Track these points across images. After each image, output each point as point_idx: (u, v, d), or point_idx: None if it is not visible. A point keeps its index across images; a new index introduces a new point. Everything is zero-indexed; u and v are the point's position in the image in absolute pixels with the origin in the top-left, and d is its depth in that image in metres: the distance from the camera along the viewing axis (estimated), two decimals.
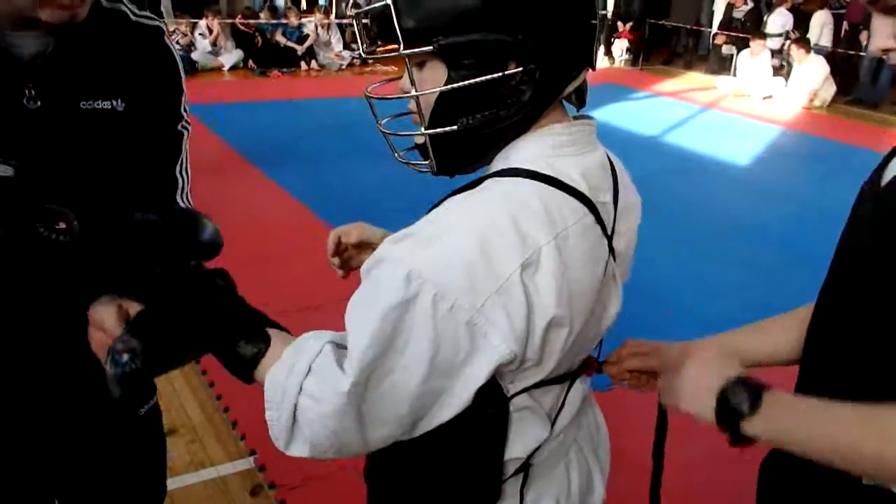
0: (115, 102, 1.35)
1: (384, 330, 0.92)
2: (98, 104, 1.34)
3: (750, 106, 10.61)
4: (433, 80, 1.01)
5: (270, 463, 2.86)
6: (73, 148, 1.32)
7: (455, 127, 1.01)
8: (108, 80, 1.35)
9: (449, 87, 0.99)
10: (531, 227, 0.95)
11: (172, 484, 2.61)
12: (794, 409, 1.01)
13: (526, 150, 1.04)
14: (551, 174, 1.01)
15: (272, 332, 1.08)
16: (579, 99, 1.12)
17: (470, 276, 0.91)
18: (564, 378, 1.13)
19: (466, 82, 0.98)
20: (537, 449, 1.12)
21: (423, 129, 1.05)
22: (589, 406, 1.31)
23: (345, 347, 0.97)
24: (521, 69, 0.98)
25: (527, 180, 1.00)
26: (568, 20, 0.99)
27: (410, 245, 0.95)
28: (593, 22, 1.02)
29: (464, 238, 0.93)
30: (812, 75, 10.41)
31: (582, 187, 1.03)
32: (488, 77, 0.98)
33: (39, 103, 1.27)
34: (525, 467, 1.13)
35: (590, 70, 1.08)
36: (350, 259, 1.41)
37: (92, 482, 1.66)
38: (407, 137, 1.10)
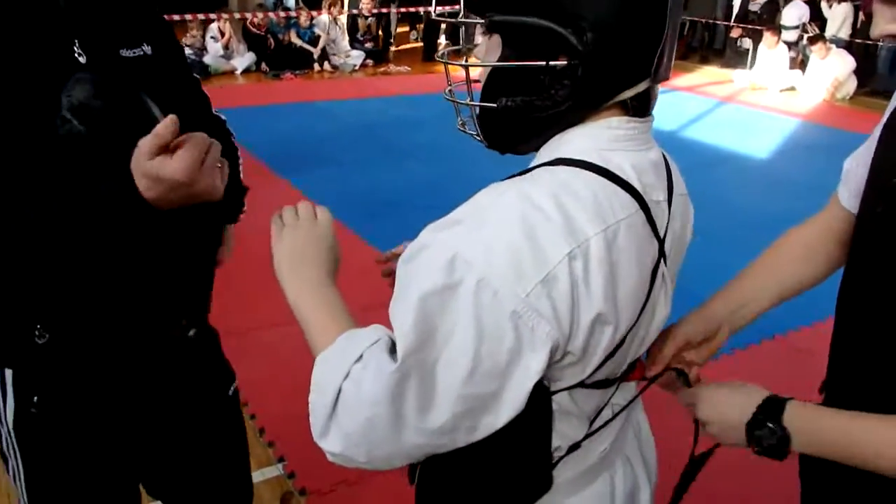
0: (144, 48, 1.37)
1: (426, 315, 0.88)
2: (134, 52, 1.34)
3: (768, 99, 10.52)
4: (492, 54, 1.01)
5: (300, 469, 2.83)
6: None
7: (494, 105, 1.00)
8: (135, 26, 1.37)
9: (491, 64, 1.00)
10: (579, 215, 0.91)
11: None
12: (820, 422, 1.08)
13: (579, 142, 1.01)
14: (603, 166, 0.98)
15: (346, 320, 1.06)
16: (638, 107, 1.04)
17: (515, 263, 0.88)
18: (609, 383, 1.09)
19: (507, 63, 0.98)
20: (575, 448, 1.09)
21: (468, 99, 1.05)
22: (634, 411, 1.26)
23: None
24: (564, 63, 0.95)
25: (577, 169, 0.97)
26: (629, 26, 0.94)
27: (455, 231, 0.92)
28: (662, 34, 0.97)
29: (509, 224, 0.90)
30: (837, 68, 10.32)
31: (634, 183, 0.99)
32: (529, 63, 0.96)
33: (85, 58, 1.26)
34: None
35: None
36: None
37: (178, 467, 1.65)
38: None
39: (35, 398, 1.36)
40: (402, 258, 0.97)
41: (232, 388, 1.72)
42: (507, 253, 0.88)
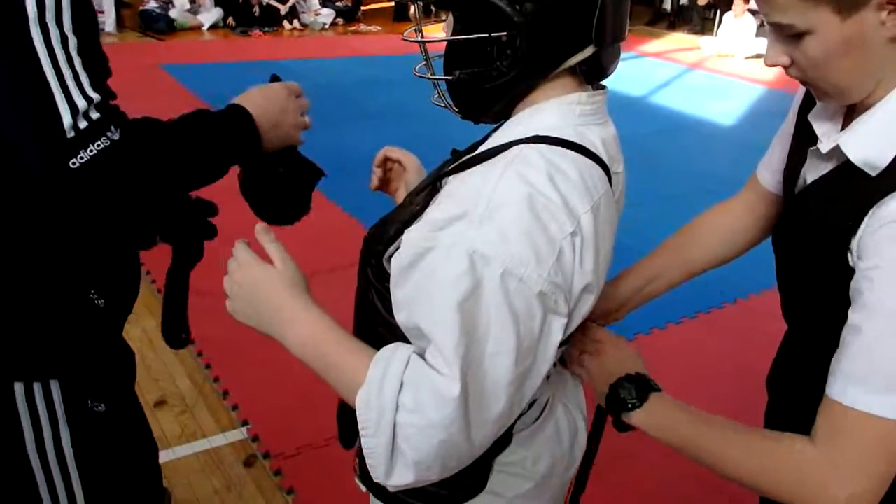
0: None
1: (465, 321, 0.89)
2: None
3: (734, 66, 10.56)
4: (449, 30, 1.06)
5: (264, 432, 2.83)
6: None
7: (450, 77, 1.06)
8: None
9: (437, 39, 1.05)
10: (571, 195, 0.95)
11: (164, 456, 2.57)
12: (675, 414, 1.09)
13: (551, 118, 1.03)
14: (580, 143, 1.01)
15: (356, 347, 0.99)
16: (588, 72, 1.06)
17: (532, 246, 0.91)
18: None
19: (453, 38, 1.04)
20: (531, 407, 1.16)
21: (429, 73, 1.10)
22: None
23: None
24: (504, 34, 0.99)
25: (560, 148, 0.99)
26: None
27: (461, 227, 0.92)
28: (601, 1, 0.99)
29: (516, 209, 0.92)
30: None
31: (604, 157, 1.04)
32: (473, 36, 1.01)
33: None
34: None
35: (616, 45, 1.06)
36: (389, 171, 1.48)
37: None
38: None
39: (89, 400, 1.36)
40: (401, 263, 0.96)
41: None
42: (523, 239, 0.90)
